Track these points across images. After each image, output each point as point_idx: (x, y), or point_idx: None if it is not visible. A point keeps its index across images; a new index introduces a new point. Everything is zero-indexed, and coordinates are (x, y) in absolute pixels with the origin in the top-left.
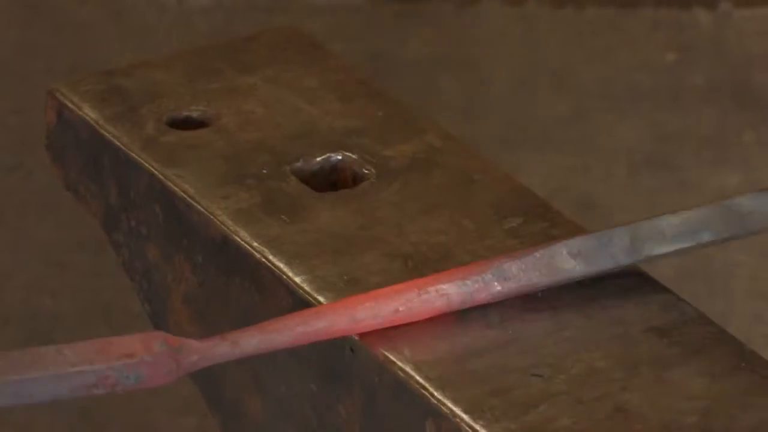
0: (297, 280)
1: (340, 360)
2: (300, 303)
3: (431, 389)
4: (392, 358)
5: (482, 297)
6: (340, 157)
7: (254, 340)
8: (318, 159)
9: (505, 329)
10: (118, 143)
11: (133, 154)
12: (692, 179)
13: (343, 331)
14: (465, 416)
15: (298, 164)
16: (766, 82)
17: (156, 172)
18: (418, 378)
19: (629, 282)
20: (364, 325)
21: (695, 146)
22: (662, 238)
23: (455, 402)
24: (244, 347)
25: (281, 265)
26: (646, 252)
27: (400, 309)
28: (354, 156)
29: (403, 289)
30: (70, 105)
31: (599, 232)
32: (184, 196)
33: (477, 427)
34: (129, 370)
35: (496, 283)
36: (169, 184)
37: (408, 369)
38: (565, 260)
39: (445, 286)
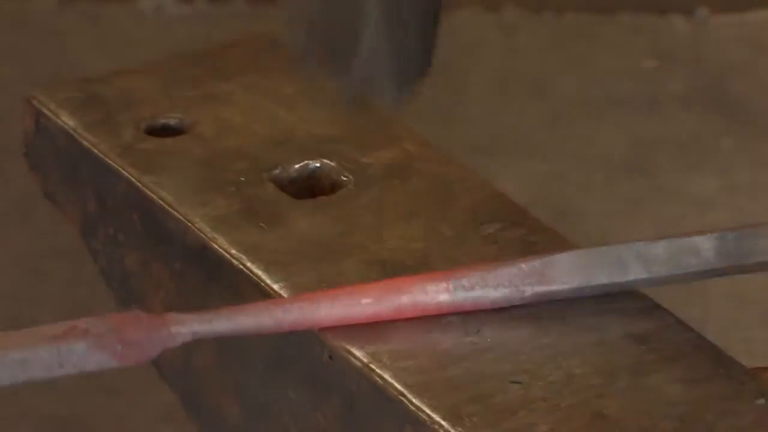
0: (275, 287)
1: (318, 367)
2: None
3: (409, 396)
4: (371, 365)
5: (441, 301)
6: (318, 165)
7: (224, 322)
8: (296, 166)
9: (484, 337)
10: (96, 150)
11: (111, 162)
12: (670, 185)
13: (302, 324)
14: (444, 423)
15: (276, 171)
16: (743, 88)
17: (134, 180)
18: (396, 385)
19: None
20: (328, 320)
21: (673, 152)
22: (652, 262)
23: (434, 409)
24: (215, 325)
25: (259, 272)
26: (626, 277)
27: (373, 307)
28: (332, 163)
29: (379, 287)
30: (47, 112)
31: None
32: (162, 203)
33: (455, 431)
34: (99, 320)
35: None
36: (147, 191)
37: (386, 376)
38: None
39: (420, 289)
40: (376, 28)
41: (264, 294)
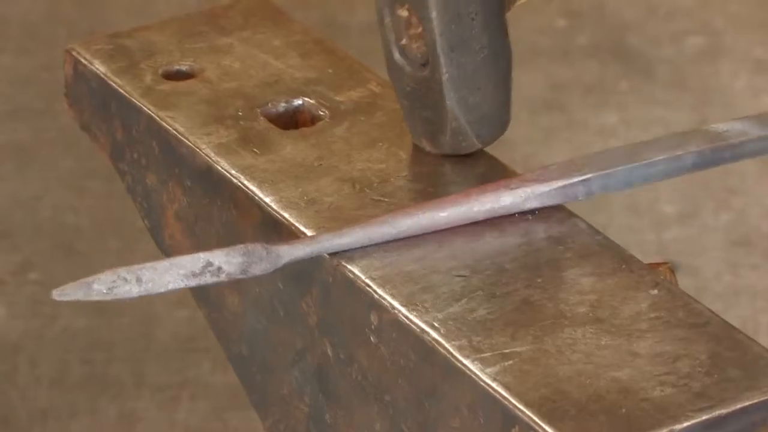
0: (267, 200)
1: (300, 263)
2: (269, 219)
3: (374, 287)
4: (343, 261)
5: (508, 202)
6: (300, 102)
7: (330, 236)
8: (283, 103)
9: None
10: (123, 91)
11: (134, 100)
12: (579, 119)
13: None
14: (402, 308)
15: (267, 107)
16: (637, 41)
17: (153, 114)
18: (363, 278)
19: None
20: (422, 228)
21: (581, 93)
22: (653, 150)
23: (394, 297)
24: (322, 242)
25: (254, 188)
26: (641, 159)
27: (456, 214)
28: (312, 101)
29: (458, 198)
30: (83, 61)
31: (614, 148)
32: (176, 133)
33: (411, 317)
34: (228, 257)
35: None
36: (164, 123)
37: (356, 270)
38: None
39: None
40: (456, 104)
41: (257, 206)
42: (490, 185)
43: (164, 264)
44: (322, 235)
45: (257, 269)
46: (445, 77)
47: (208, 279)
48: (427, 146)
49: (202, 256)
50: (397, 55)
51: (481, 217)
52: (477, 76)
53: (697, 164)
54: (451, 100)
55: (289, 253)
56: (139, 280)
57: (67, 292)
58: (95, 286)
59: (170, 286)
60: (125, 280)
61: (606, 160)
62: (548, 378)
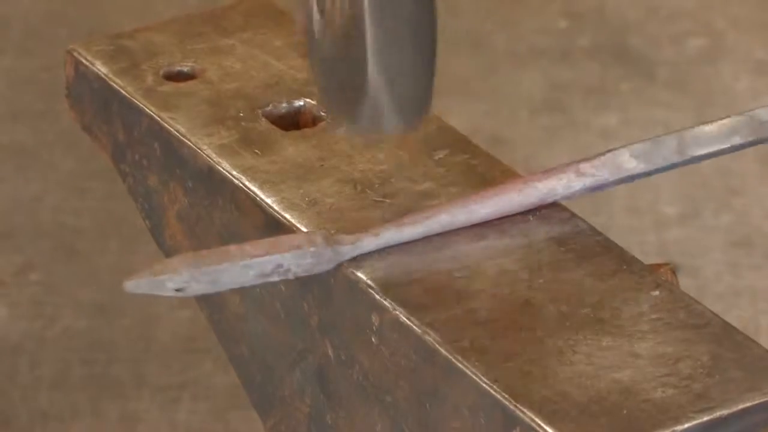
0: (268, 201)
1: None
2: (271, 220)
3: (376, 287)
4: (344, 262)
5: (561, 192)
6: (302, 103)
7: (391, 232)
8: (284, 104)
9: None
10: (124, 92)
11: (136, 101)
12: (580, 120)
13: (461, 223)
14: (403, 309)
15: (268, 108)
16: (638, 42)
17: (154, 115)
18: (364, 278)
19: None
20: (478, 218)
21: (582, 94)
22: (702, 142)
23: (395, 298)
24: (384, 238)
25: (255, 189)
26: (690, 153)
27: (503, 205)
28: (313, 101)
29: (505, 189)
30: (84, 61)
31: (653, 138)
32: (177, 134)
33: (412, 317)
34: (298, 259)
35: (574, 179)
36: (165, 124)
37: (357, 271)
38: (628, 161)
39: (539, 185)
40: (375, 76)
41: (259, 207)
42: (548, 172)
43: (238, 266)
44: (383, 230)
45: (320, 268)
46: (369, 52)
47: (275, 278)
48: (343, 128)
49: (274, 259)
50: (317, 27)
51: (529, 207)
52: (401, 54)
53: (737, 149)
54: (372, 77)
55: (352, 251)
56: (214, 281)
57: (139, 286)
58: (168, 285)
59: (239, 286)
60: (199, 281)
61: (655, 154)
62: (549, 379)
